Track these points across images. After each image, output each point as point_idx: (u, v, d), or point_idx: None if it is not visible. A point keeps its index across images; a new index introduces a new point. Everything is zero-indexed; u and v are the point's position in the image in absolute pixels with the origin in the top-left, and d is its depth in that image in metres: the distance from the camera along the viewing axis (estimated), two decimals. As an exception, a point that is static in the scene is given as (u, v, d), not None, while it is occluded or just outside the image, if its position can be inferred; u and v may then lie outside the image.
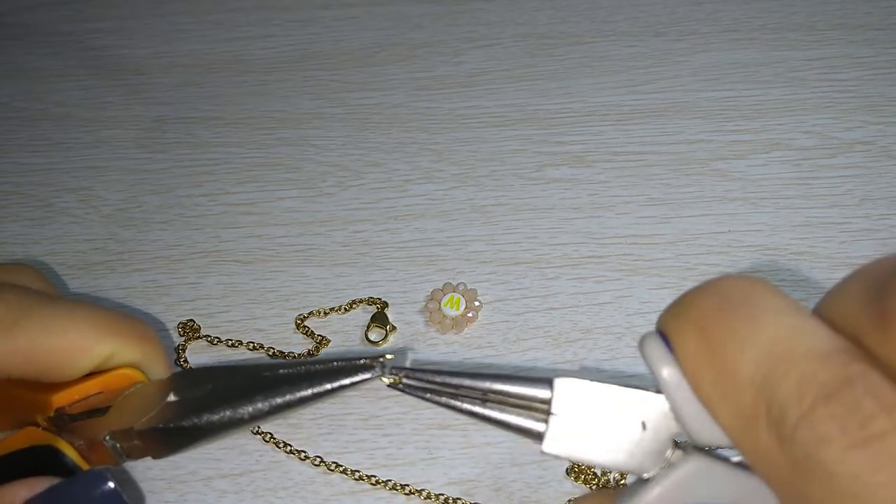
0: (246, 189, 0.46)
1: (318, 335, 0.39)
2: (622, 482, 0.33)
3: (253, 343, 0.39)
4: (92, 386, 0.27)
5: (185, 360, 0.39)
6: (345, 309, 0.40)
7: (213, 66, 0.53)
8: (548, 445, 0.19)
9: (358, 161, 0.47)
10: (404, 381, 0.21)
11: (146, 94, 0.52)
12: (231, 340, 0.39)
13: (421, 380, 0.21)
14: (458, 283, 0.40)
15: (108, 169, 0.48)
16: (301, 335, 0.39)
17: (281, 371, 0.24)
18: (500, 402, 0.20)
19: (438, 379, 0.20)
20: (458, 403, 0.20)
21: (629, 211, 0.43)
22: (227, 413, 0.24)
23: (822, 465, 0.14)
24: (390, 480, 0.34)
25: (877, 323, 0.15)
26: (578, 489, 0.33)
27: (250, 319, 0.40)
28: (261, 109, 0.50)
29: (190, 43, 0.55)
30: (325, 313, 0.40)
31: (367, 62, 0.53)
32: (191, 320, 0.40)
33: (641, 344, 0.18)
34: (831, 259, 0.40)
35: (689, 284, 0.42)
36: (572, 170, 0.45)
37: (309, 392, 0.24)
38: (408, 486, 0.34)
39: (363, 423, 0.36)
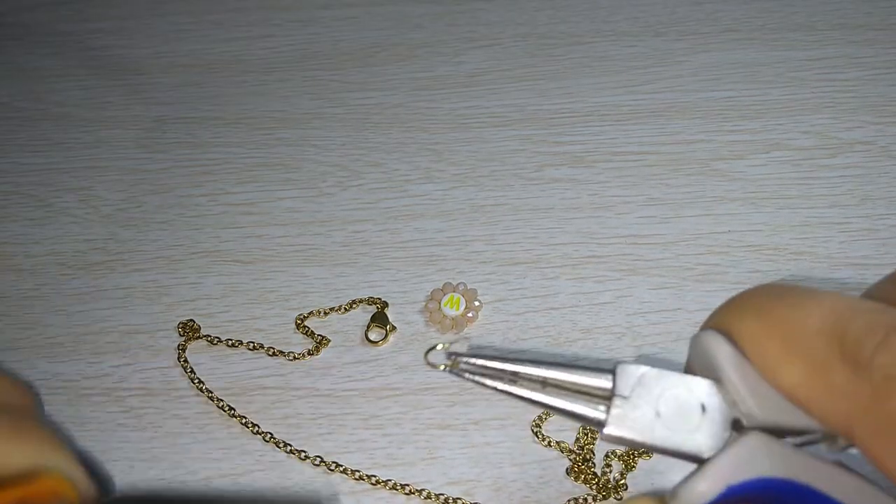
0: (246, 189, 0.46)
1: (318, 335, 0.39)
2: (622, 482, 0.33)
3: (253, 343, 0.39)
4: (4, 499, 0.25)
5: (186, 361, 0.39)
6: (345, 309, 0.40)
7: (213, 66, 0.53)
8: (610, 429, 0.19)
9: (358, 161, 0.47)
10: (462, 365, 0.21)
11: (146, 94, 0.52)
12: (231, 340, 0.39)
13: (478, 365, 0.21)
14: (458, 283, 0.40)
15: (108, 169, 0.48)
16: (301, 335, 0.39)
17: None
18: (558, 388, 0.20)
19: (496, 365, 0.20)
20: (517, 390, 0.20)
21: (629, 211, 0.43)
22: None
23: None
24: (390, 480, 0.34)
25: None
26: (578, 489, 0.33)
27: (250, 319, 0.40)
28: (261, 109, 0.50)
29: (190, 43, 0.55)
30: (325, 313, 0.40)
31: (367, 62, 0.53)
32: (191, 320, 0.40)
33: (696, 339, 0.19)
34: (831, 259, 0.40)
35: (689, 284, 0.41)
36: (572, 170, 0.45)
37: None
38: (408, 486, 0.34)
39: (363, 423, 0.36)
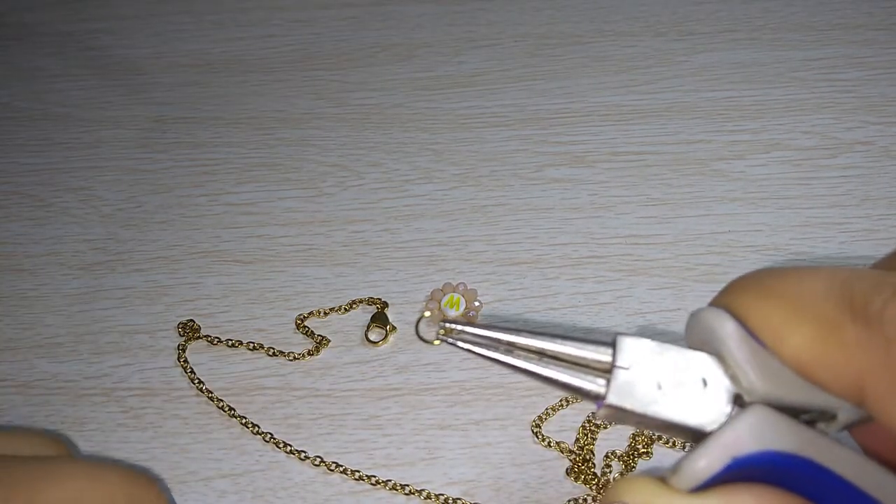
0: (246, 189, 0.46)
1: (318, 335, 0.39)
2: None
3: (253, 343, 0.39)
4: None
5: (186, 361, 0.39)
6: (345, 309, 0.40)
7: (213, 66, 0.53)
8: (612, 398, 0.18)
9: (358, 161, 0.47)
10: (454, 335, 0.20)
11: (146, 94, 0.52)
12: (231, 340, 0.39)
13: (471, 334, 0.20)
14: (458, 283, 0.40)
15: (108, 169, 0.48)
16: (301, 335, 0.39)
17: None
18: (556, 360, 0.19)
19: (491, 334, 0.20)
20: (512, 360, 0.19)
21: (629, 211, 0.43)
22: None
23: None
24: (390, 480, 0.34)
25: None
26: (578, 489, 0.33)
27: (250, 319, 0.40)
28: (261, 109, 0.50)
29: (190, 43, 0.55)
30: (325, 313, 0.40)
31: (367, 62, 0.53)
32: (191, 320, 0.40)
33: (697, 314, 0.19)
34: (831, 259, 0.40)
35: (690, 284, 0.41)
36: (572, 170, 0.45)
37: None
38: (408, 486, 0.34)
39: (363, 423, 0.36)
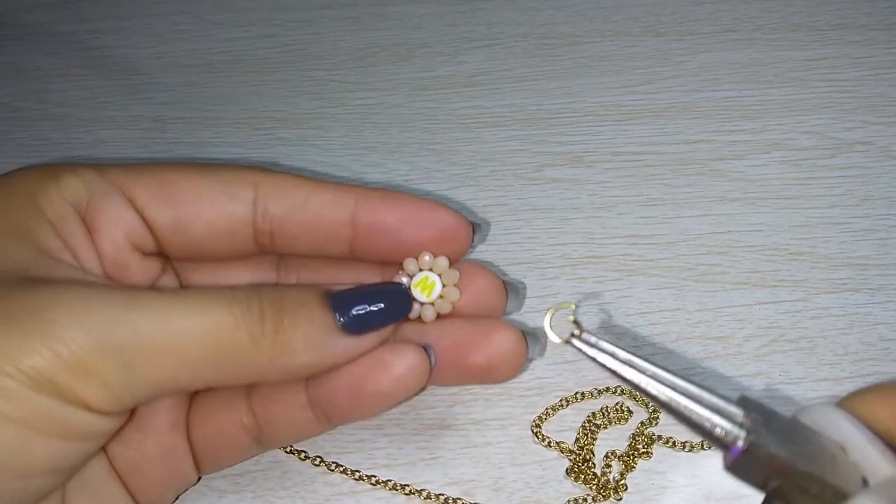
0: (246, 189, 0.46)
1: (318, 335, 0.39)
2: (622, 482, 0.33)
3: (253, 343, 0.39)
4: None
5: (185, 360, 0.39)
6: (345, 309, 0.40)
7: (213, 66, 0.53)
8: (754, 438, 0.19)
9: (358, 161, 0.47)
10: (585, 341, 0.21)
11: (146, 94, 0.52)
12: (231, 340, 0.39)
13: (604, 350, 0.21)
14: (438, 257, 0.31)
15: (108, 169, 0.48)
16: (301, 335, 0.39)
17: None
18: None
19: (627, 357, 0.21)
20: (649, 383, 0.20)
21: (629, 211, 0.43)
22: None
23: None
24: (390, 480, 0.34)
25: None
26: (578, 489, 0.33)
27: (250, 319, 0.40)
28: (261, 109, 0.50)
29: (190, 43, 0.55)
30: (325, 313, 0.40)
31: (367, 62, 0.53)
32: (191, 320, 0.40)
33: (822, 411, 0.21)
34: (831, 259, 0.40)
35: (690, 284, 0.41)
36: (572, 170, 0.45)
37: None
38: (408, 486, 0.34)
39: (363, 423, 0.36)
